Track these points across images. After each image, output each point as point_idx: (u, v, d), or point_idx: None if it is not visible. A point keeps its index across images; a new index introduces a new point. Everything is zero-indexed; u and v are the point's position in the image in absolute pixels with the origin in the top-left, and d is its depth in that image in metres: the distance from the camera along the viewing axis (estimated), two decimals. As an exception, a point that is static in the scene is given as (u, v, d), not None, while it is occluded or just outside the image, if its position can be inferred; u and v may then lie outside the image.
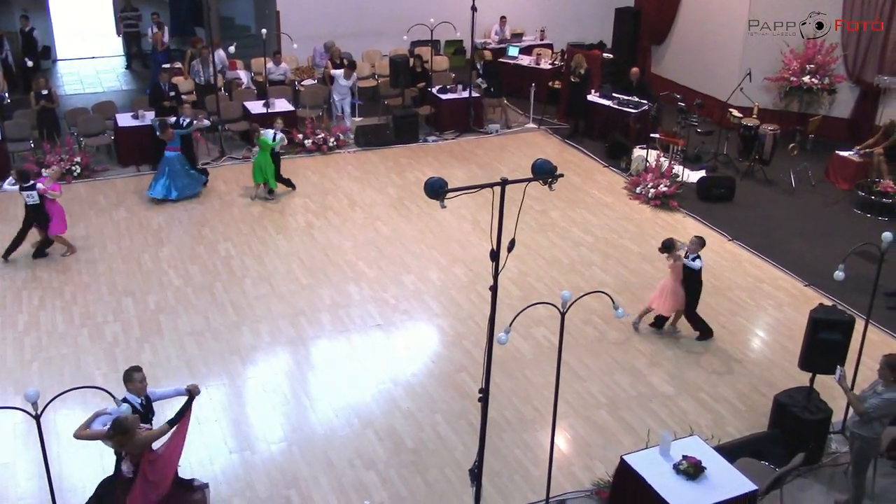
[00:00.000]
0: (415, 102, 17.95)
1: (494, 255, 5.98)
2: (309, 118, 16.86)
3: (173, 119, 14.19)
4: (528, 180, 6.08)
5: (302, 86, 18.18)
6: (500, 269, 6.05)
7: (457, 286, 11.80)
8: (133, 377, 7.23)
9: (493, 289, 6.18)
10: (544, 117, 18.35)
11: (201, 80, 16.94)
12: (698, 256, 10.08)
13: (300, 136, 16.36)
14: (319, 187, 14.98)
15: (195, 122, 14.50)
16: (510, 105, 18.47)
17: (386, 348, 10.37)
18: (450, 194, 5.70)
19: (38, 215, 11.90)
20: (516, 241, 6.05)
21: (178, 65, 18.28)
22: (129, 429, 6.63)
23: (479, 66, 17.86)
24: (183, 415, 7.10)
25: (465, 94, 17.42)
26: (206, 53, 16.71)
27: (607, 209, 14.36)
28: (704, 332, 10.50)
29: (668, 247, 10.13)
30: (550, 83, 19.09)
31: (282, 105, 16.58)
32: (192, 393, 7.26)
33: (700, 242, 10.09)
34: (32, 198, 11.81)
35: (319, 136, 16.55)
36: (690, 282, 10.21)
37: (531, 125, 18.20)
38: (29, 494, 7.87)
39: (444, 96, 17.54)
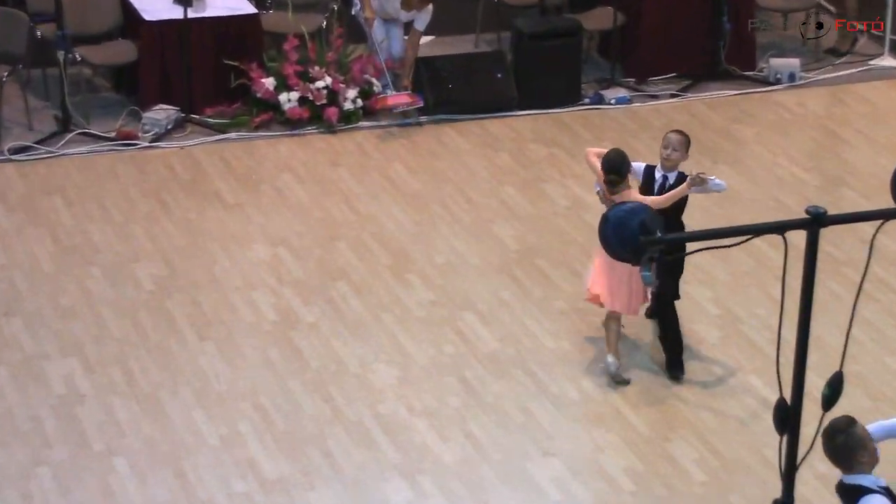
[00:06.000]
0: (573, 5, 12.48)
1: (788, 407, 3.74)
2: (292, 36, 11.16)
3: None
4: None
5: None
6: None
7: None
8: None
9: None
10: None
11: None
12: None
13: (263, 83, 12.15)
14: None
15: None
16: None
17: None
18: (659, 248, 3.43)
19: None
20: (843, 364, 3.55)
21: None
22: None
23: None
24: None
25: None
26: None
27: None
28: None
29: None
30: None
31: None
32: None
33: None
34: None
35: (321, 86, 11.09)
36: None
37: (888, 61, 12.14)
38: None
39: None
